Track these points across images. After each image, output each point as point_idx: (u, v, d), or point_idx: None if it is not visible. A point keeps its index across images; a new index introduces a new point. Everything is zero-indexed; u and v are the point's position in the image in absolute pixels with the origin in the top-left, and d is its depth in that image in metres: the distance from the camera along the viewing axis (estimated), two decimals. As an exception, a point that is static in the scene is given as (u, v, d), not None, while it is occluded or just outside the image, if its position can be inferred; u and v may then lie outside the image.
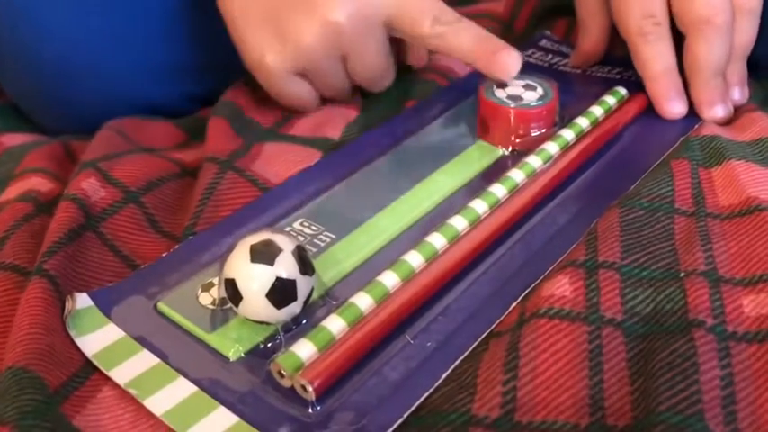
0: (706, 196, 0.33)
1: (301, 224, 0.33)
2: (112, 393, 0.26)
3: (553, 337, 0.26)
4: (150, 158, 0.38)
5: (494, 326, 0.28)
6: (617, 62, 0.45)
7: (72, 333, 0.28)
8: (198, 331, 0.28)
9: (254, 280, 0.26)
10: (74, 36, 0.43)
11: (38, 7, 0.43)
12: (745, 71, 0.40)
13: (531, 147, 0.36)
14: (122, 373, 0.26)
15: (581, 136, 0.37)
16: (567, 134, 0.37)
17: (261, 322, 0.27)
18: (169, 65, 0.45)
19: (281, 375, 0.25)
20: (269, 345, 0.27)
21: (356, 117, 0.41)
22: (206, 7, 0.42)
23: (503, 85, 0.38)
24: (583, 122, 0.37)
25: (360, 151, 0.38)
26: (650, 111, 0.39)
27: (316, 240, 0.32)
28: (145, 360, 0.27)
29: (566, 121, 0.38)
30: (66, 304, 0.29)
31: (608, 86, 0.41)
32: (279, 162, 0.37)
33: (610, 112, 0.39)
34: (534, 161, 0.35)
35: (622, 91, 0.40)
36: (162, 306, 0.29)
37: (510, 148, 0.37)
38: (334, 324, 0.27)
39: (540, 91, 0.38)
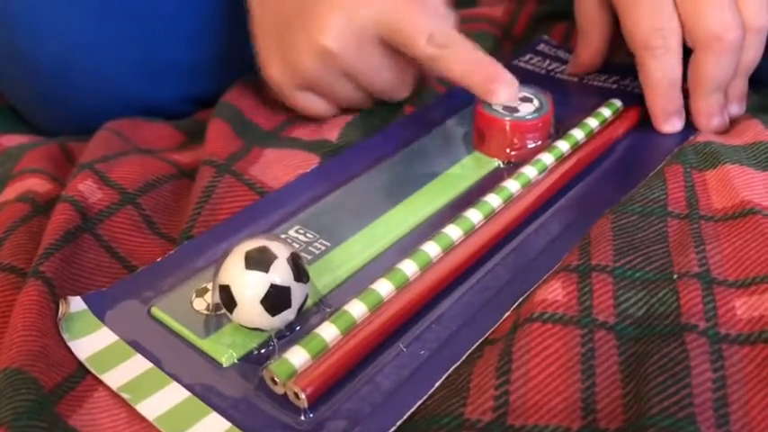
0: (699, 199, 0.33)
1: (297, 231, 0.33)
2: (108, 393, 0.26)
3: (546, 341, 0.26)
4: (148, 160, 0.38)
5: (487, 334, 0.28)
6: (614, 71, 0.45)
7: (65, 336, 0.28)
8: (191, 337, 0.28)
9: (249, 287, 0.26)
10: (72, 37, 0.43)
11: (36, 9, 0.43)
12: (746, 87, 0.40)
13: (526, 158, 0.36)
14: (115, 378, 0.27)
15: (576, 147, 0.37)
16: (563, 145, 0.37)
17: (255, 329, 0.27)
18: (167, 66, 0.45)
19: (274, 382, 0.25)
20: (262, 351, 0.27)
21: (353, 119, 0.41)
22: (205, 9, 0.43)
23: None
24: (578, 134, 0.38)
25: (356, 159, 0.38)
26: (645, 122, 0.40)
27: (311, 248, 0.32)
28: (138, 365, 0.27)
29: (561, 132, 0.38)
30: (60, 307, 0.29)
31: (604, 96, 0.41)
32: (277, 166, 0.37)
33: (605, 124, 0.39)
34: (530, 171, 0.35)
35: (618, 103, 0.40)
36: (156, 311, 0.29)
37: (506, 160, 0.38)
38: (328, 331, 0.27)
39: (535, 103, 0.38)
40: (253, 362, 0.27)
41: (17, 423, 0.24)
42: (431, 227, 0.33)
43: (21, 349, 0.26)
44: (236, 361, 0.27)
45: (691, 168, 0.35)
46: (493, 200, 0.33)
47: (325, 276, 0.30)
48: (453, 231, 0.31)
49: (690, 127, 0.39)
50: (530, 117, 0.37)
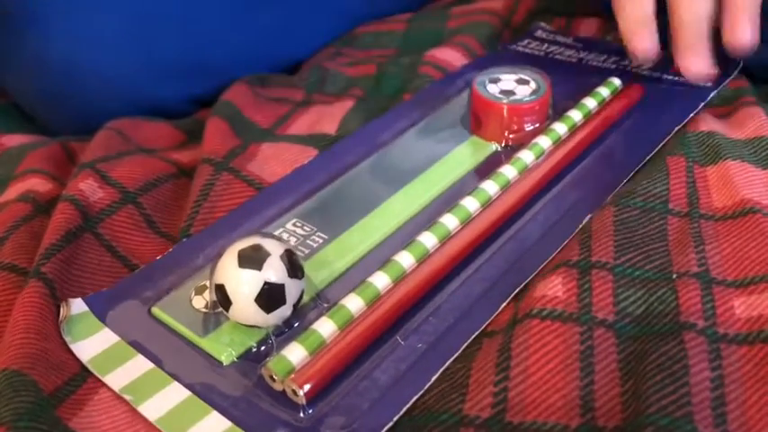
0: (700, 197, 0.32)
1: (294, 224, 0.33)
2: (108, 395, 0.27)
3: (545, 338, 0.26)
4: (148, 159, 0.38)
5: (485, 325, 0.28)
6: (613, 51, 0.44)
7: (67, 339, 0.28)
8: (191, 336, 0.28)
9: (243, 285, 0.27)
10: (78, 37, 0.43)
11: (43, 8, 0.43)
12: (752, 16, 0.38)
13: (524, 141, 0.36)
14: (117, 379, 0.27)
15: (574, 129, 0.37)
16: (560, 128, 0.36)
17: (252, 326, 0.28)
18: (173, 66, 0.45)
19: (273, 380, 0.26)
20: (261, 348, 0.28)
21: (351, 109, 0.41)
22: (211, 9, 0.42)
23: (495, 80, 0.38)
24: (576, 115, 0.37)
25: (352, 149, 0.38)
26: (643, 102, 0.39)
27: (308, 241, 0.32)
28: (139, 365, 0.27)
29: (559, 113, 0.38)
30: (61, 310, 0.29)
31: (603, 76, 0.40)
32: (275, 162, 0.37)
33: (603, 104, 0.39)
34: (527, 156, 0.35)
35: (616, 82, 0.40)
36: (156, 310, 0.29)
37: (503, 144, 0.37)
38: (325, 327, 0.27)
39: (532, 85, 0.38)
40: (252, 359, 0.27)
41: (18, 424, 0.24)
42: (428, 216, 0.33)
43: (20, 351, 0.26)
44: (235, 359, 0.27)
45: (693, 162, 0.34)
46: (490, 187, 0.33)
47: (323, 270, 0.31)
48: (450, 221, 0.31)
49: (687, 105, 0.38)
50: (527, 100, 0.37)
